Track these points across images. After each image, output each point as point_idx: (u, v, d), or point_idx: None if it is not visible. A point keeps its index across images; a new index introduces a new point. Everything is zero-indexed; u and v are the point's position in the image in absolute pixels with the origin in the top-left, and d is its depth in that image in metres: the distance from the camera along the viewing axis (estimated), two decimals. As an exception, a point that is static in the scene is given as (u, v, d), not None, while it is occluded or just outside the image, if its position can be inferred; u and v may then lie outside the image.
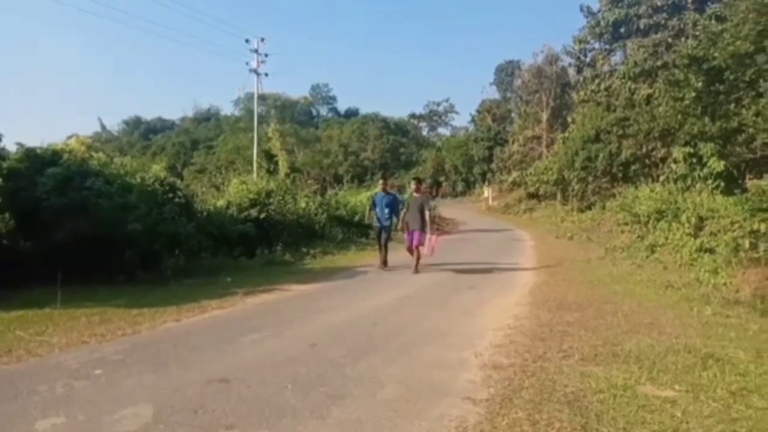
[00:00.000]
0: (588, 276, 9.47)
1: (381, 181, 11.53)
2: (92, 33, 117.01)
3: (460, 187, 55.44)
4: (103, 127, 73.38)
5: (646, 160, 21.39)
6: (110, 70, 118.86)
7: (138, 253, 8.46)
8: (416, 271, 9.97)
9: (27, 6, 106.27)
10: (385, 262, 10.57)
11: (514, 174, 37.97)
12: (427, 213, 10.09)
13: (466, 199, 51.74)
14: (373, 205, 10.83)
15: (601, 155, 22.89)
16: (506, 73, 54.07)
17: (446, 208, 36.80)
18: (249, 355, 4.62)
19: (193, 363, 4.35)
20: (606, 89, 25.47)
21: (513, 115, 46.92)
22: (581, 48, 30.87)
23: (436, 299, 7.33)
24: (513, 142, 41.36)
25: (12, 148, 9.12)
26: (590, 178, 24.23)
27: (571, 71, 35.60)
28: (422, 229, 9.99)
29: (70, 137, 12.28)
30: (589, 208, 24.90)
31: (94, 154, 9.96)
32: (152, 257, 8.78)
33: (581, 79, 30.15)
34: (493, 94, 58.11)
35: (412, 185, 10.88)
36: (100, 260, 8.05)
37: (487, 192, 45.70)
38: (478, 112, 58.11)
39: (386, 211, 10.45)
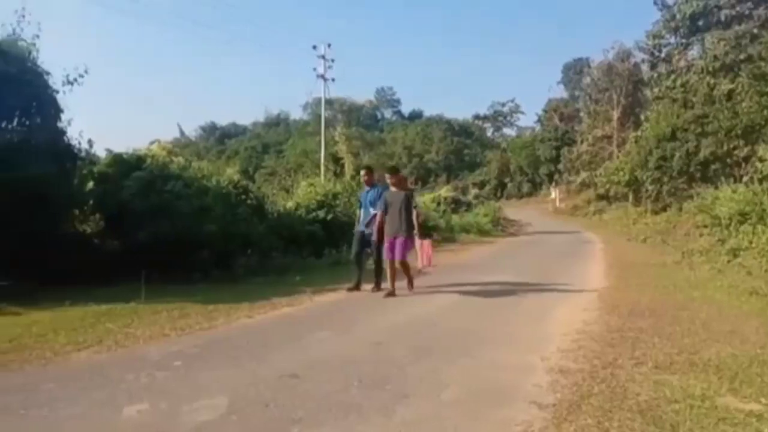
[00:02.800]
0: (663, 281, 9.04)
1: (363, 172, 8.49)
2: (169, 43, 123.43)
3: (525, 188, 54.28)
4: (181, 132, 77.13)
5: (728, 159, 20.18)
6: (188, 77, 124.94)
7: (213, 253, 8.88)
8: (411, 288, 7.80)
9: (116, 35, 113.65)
10: (358, 285, 7.95)
11: (583, 174, 36.84)
12: (414, 213, 7.69)
13: (532, 200, 50.62)
14: (359, 206, 8.39)
15: (678, 154, 21.79)
16: (574, 71, 52.42)
17: (511, 209, 36.16)
18: (317, 352, 4.76)
19: (265, 358, 4.54)
20: (683, 85, 24.15)
21: (581, 114, 45.36)
22: (655, 43, 29.38)
23: (500, 301, 7.25)
24: (581, 142, 40.08)
25: (102, 153, 9.84)
26: (665, 179, 23.11)
27: (645, 67, 33.96)
28: (408, 234, 7.56)
29: (152, 143, 13.07)
30: (663, 209, 23.77)
31: (174, 158, 10.56)
32: (226, 257, 9.19)
33: (655, 75, 28.70)
34: (561, 93, 56.64)
35: (388, 178, 7.91)
36: (178, 259, 8.50)
37: (554, 193, 44.60)
38: (545, 111, 56.72)
39: (371, 211, 7.90)
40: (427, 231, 8.22)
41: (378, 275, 7.91)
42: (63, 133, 8.40)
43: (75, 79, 8.38)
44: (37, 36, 7.99)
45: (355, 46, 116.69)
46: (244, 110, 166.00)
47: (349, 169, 31.52)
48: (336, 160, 35.67)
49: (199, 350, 4.74)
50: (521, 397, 3.59)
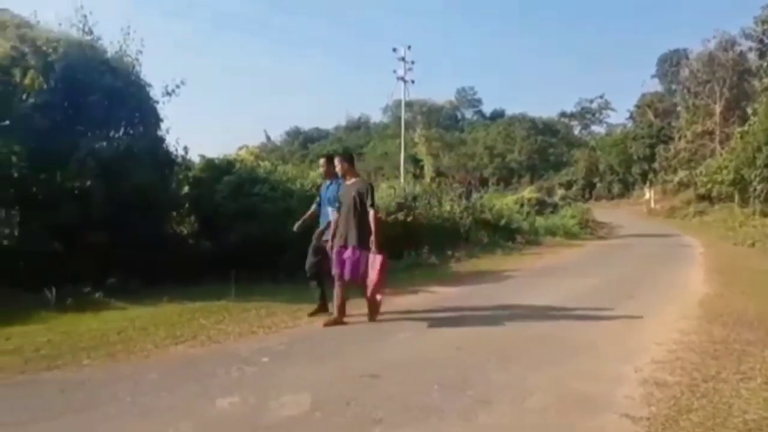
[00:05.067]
0: (774, 289, 8.25)
1: (322, 161, 6.74)
2: (256, 50, 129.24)
3: (616, 189, 51.66)
4: (268, 138, 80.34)
5: None
6: (272, 84, 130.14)
7: (297, 254, 9.15)
8: (373, 317, 5.92)
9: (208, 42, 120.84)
10: (323, 306, 6.32)
11: (681, 174, 34.61)
12: (371, 212, 5.71)
13: (623, 201, 48.13)
14: (317, 204, 6.66)
15: (792, 150, 19.85)
16: (670, 63, 49.15)
17: (601, 211, 34.52)
18: (397, 353, 4.79)
19: (346, 357, 4.64)
20: (798, 73, 22.00)
21: (679, 109, 42.50)
22: (765, 29, 26.98)
23: (589, 308, 6.91)
24: (679, 139, 37.63)
25: (196, 159, 10.43)
26: (777, 177, 21.13)
27: (752, 56, 31.36)
28: (361, 244, 5.66)
29: (240, 148, 13.72)
30: (775, 211, 21.73)
31: (261, 162, 11.00)
32: (310, 257, 9.43)
33: (765, 64, 26.36)
34: (655, 87, 53.33)
35: (337, 164, 6.11)
36: (265, 259, 8.85)
37: (648, 194, 42.18)
38: (638, 107, 53.72)
39: (329, 211, 6.21)
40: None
41: (321, 294, 6.39)
42: (162, 140, 9.00)
43: (173, 90, 8.98)
44: (140, 51, 8.67)
45: (436, 46, 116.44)
46: (326, 115, 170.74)
47: (428, 171, 31.51)
48: (416, 161, 35.74)
49: (284, 348, 4.91)
50: (612, 408, 3.41)
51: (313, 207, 6.67)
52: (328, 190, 6.34)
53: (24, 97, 6.81)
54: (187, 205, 9.81)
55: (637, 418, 3.24)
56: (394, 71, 29.82)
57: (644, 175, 45.24)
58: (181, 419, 3.22)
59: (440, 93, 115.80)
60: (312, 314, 6.21)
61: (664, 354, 4.64)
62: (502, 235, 17.74)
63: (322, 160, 6.73)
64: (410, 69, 29.63)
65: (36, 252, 6.56)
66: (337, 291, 5.86)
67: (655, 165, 41.66)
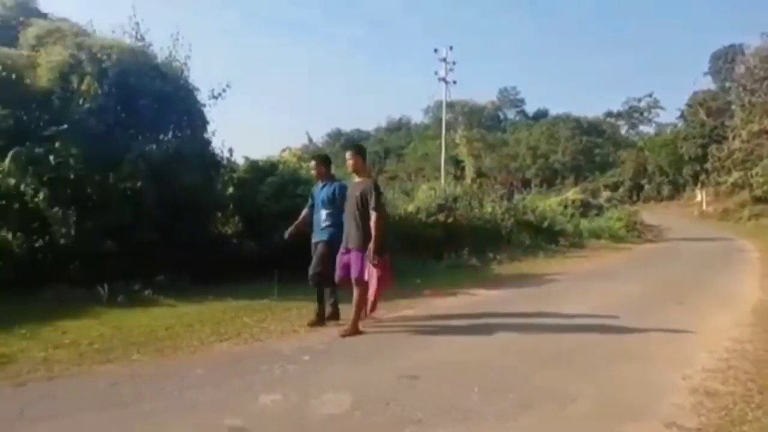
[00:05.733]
0: (837, 297, 7.81)
1: (313, 163, 6.47)
2: (301, 54, 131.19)
3: (665, 190, 49.97)
4: (310, 140, 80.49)
5: None
6: (316, 87, 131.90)
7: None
8: (344, 332, 5.36)
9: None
10: (320, 314, 5.97)
11: (736, 175, 33.15)
12: (373, 215, 5.30)
13: (673, 203, 46.56)
14: (309, 206, 6.26)
15: None
16: (725, 60, 47.16)
17: (649, 213, 33.48)
18: (437, 355, 4.77)
19: (386, 357, 4.66)
20: None
21: (733, 107, 40.68)
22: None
23: (636, 314, 6.71)
24: (734, 138, 36.00)
25: (240, 161, 10.67)
26: (842, 178, 19.97)
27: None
28: (362, 247, 5.35)
29: (283, 150, 13.93)
30: (840, 214, 20.54)
31: (303, 164, 11.13)
32: (350, 259, 9.52)
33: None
34: (708, 85, 51.32)
35: (348, 158, 5.70)
36: (308, 260, 8.96)
37: (700, 195, 40.69)
38: (689, 106, 51.76)
39: (323, 214, 5.91)
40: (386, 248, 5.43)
41: (320, 300, 6.03)
42: (209, 143, 9.26)
43: (219, 94, 9.23)
44: (188, 57, 8.95)
45: (478, 47, 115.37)
46: (367, 116, 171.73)
47: (469, 172, 31.25)
48: (457, 162, 35.49)
49: (325, 347, 4.97)
50: (659, 417, 3.31)
51: (305, 211, 6.27)
52: (322, 191, 6.02)
53: (81, 102, 7.14)
54: (231, 206, 10.04)
55: (685, 428, 3.13)
56: (436, 72, 29.69)
57: (695, 177, 43.66)
58: (226, 414, 3.31)
59: (482, 93, 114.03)
60: (312, 324, 5.87)
61: (715, 362, 4.47)
62: (545, 237, 17.46)
63: (313, 162, 6.49)
64: (452, 70, 29.42)
65: (90, 251, 6.86)
66: (355, 296, 5.50)
67: (707, 166, 40.07)
